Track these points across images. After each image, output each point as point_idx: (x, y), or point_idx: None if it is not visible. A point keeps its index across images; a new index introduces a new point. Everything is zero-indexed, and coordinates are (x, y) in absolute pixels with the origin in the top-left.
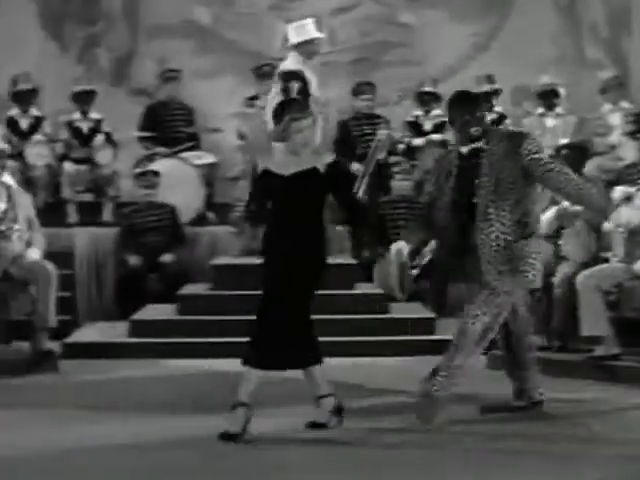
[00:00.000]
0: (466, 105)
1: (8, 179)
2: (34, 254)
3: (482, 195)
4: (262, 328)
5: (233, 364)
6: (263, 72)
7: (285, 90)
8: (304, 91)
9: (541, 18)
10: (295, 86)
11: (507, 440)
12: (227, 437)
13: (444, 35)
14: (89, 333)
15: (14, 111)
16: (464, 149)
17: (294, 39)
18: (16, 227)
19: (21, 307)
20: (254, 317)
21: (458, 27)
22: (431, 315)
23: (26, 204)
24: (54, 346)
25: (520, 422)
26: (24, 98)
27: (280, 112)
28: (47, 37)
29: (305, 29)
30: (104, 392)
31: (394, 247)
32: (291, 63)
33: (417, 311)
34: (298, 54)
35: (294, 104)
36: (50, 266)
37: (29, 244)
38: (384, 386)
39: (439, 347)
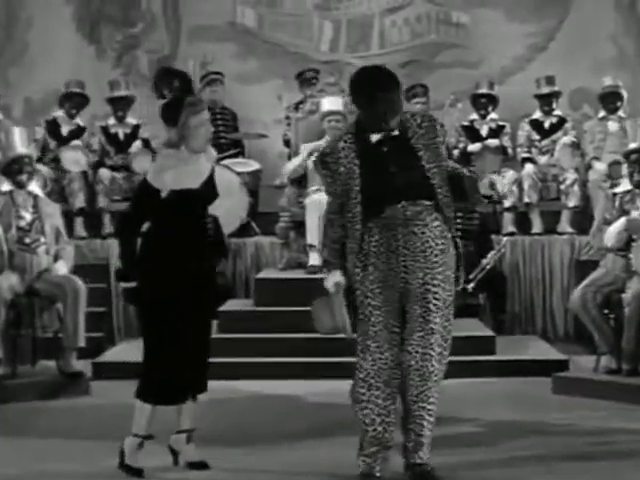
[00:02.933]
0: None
1: (35, 187)
2: (62, 268)
3: None
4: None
5: (276, 387)
6: (305, 78)
7: None
8: None
9: (600, 17)
10: None
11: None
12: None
13: (499, 35)
14: (123, 351)
15: (59, 113)
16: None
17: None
18: (43, 239)
19: (47, 325)
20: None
21: (514, 27)
22: (490, 333)
23: (54, 214)
24: (86, 365)
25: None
26: (72, 103)
27: (172, 111)
28: (83, 40)
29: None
30: None
31: (330, 280)
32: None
33: (475, 328)
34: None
35: (187, 99)
36: (79, 281)
37: (56, 257)
38: (442, 412)
39: (500, 368)
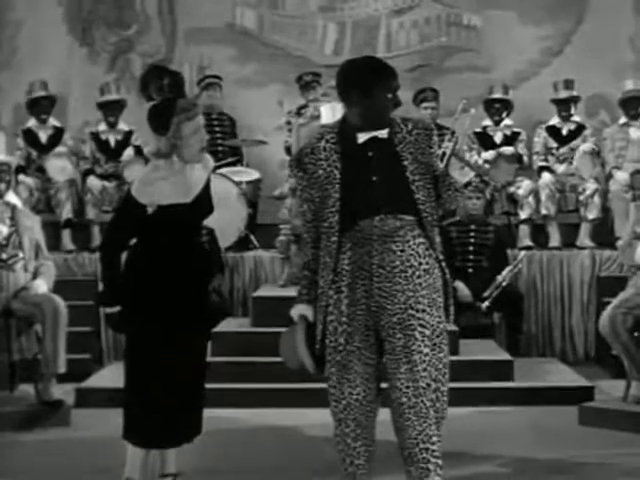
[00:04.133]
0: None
1: (13, 198)
2: (41, 286)
3: None
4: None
5: (275, 416)
6: (305, 82)
7: None
8: None
9: (619, 20)
10: None
11: None
12: None
13: (513, 38)
14: (111, 375)
15: (31, 122)
16: None
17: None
18: (20, 255)
19: (25, 348)
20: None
21: (528, 30)
22: (508, 357)
23: (33, 227)
24: (68, 391)
25: None
26: (40, 107)
27: (161, 117)
28: (75, 42)
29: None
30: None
31: (296, 310)
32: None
33: (491, 351)
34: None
35: (179, 102)
36: (59, 301)
37: (36, 275)
38: (456, 448)
39: (519, 396)
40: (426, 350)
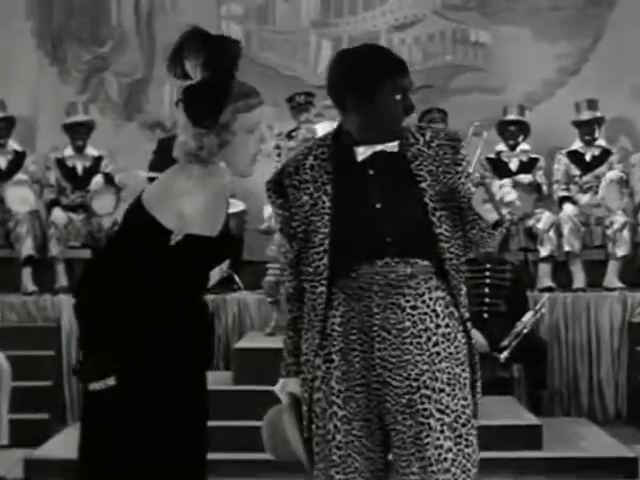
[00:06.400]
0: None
1: None
2: None
3: None
4: None
5: None
6: (297, 103)
7: None
8: None
9: None
10: None
11: None
12: None
13: (525, 57)
14: (70, 441)
15: None
16: None
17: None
18: None
19: None
20: None
21: (542, 47)
22: (535, 421)
23: None
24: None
25: None
26: None
27: (209, 100)
28: (45, 60)
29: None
30: None
31: (282, 387)
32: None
33: (513, 412)
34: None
35: (238, 84)
36: (2, 360)
37: None
38: None
39: (549, 468)
40: (447, 444)
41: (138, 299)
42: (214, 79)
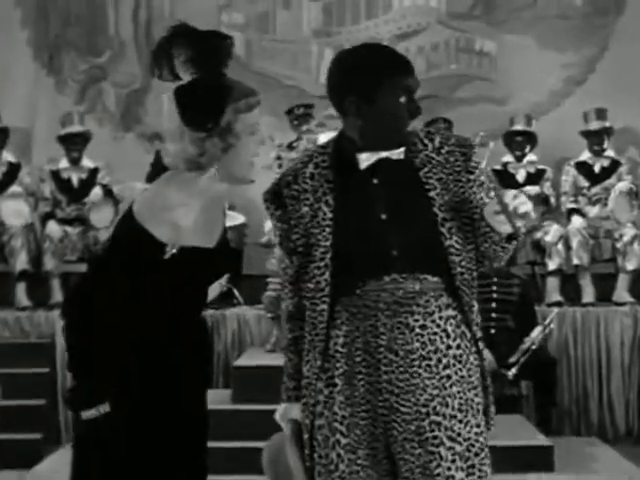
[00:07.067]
0: None
1: None
2: None
3: None
4: None
5: None
6: (297, 115)
7: None
8: None
9: None
10: None
11: None
12: None
13: (531, 66)
14: (64, 462)
15: None
16: None
17: None
18: None
19: None
20: None
21: (548, 56)
22: (546, 441)
23: None
24: None
25: None
26: None
27: (207, 101)
28: (41, 70)
29: None
30: None
31: (283, 414)
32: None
33: (522, 431)
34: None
35: (235, 84)
36: None
37: None
38: None
39: None
40: (458, 475)
41: (130, 316)
42: (209, 78)
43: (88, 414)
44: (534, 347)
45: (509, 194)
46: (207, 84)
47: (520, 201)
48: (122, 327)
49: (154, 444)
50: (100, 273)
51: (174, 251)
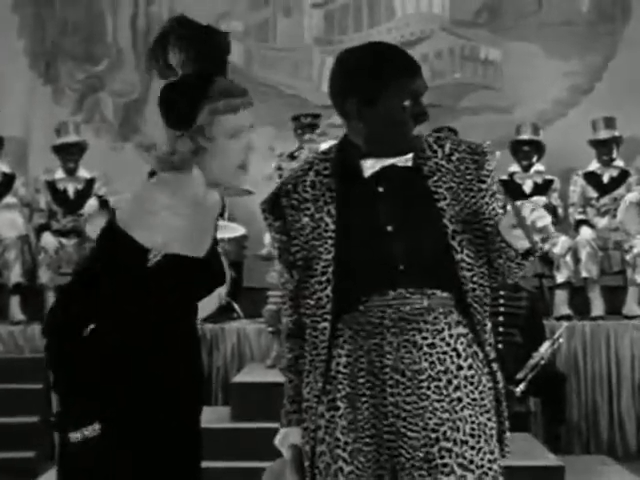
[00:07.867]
0: None
1: None
2: None
3: None
4: None
5: None
6: (302, 124)
7: None
8: None
9: None
10: None
11: None
12: None
13: (536, 75)
14: None
15: None
16: None
17: None
18: None
19: None
20: None
21: (553, 64)
22: (557, 461)
23: None
24: None
25: None
26: None
27: (184, 97)
28: (37, 79)
29: None
30: None
31: (284, 439)
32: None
33: (531, 450)
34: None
35: (219, 79)
36: None
37: None
38: None
39: None
40: None
41: (112, 327)
42: (196, 75)
43: (77, 435)
44: (543, 362)
45: (526, 206)
46: (189, 80)
47: (538, 214)
48: (105, 337)
49: (144, 466)
50: (81, 285)
51: (159, 258)
